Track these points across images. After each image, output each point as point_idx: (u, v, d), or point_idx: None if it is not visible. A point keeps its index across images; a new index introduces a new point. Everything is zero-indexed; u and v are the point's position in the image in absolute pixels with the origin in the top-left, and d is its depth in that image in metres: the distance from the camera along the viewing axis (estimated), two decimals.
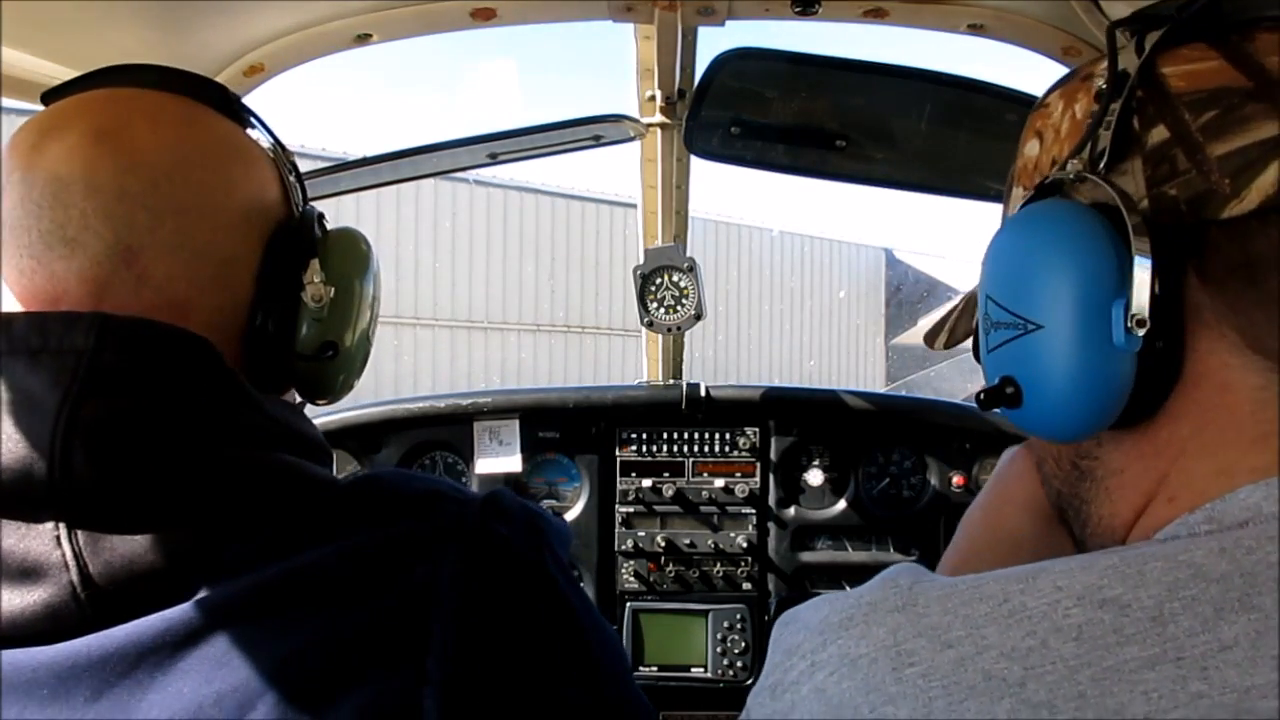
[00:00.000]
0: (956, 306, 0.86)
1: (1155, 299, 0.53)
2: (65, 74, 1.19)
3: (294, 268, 0.75)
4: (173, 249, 0.68)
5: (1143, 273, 0.52)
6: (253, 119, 0.80)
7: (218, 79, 1.35)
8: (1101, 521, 0.61)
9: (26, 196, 0.66)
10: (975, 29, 1.34)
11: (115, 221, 0.66)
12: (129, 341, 0.62)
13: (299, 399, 0.83)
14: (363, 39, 1.39)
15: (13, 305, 0.68)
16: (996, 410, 0.61)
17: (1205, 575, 0.46)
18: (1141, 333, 0.52)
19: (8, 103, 1.21)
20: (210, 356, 0.65)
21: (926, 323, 0.93)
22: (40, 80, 1.19)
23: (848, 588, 1.99)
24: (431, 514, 0.66)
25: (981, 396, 0.61)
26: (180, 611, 0.58)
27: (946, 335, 0.86)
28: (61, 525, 0.58)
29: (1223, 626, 0.44)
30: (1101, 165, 0.57)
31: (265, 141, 0.80)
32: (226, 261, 0.71)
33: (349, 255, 0.81)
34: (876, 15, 1.33)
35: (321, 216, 0.82)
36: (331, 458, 0.77)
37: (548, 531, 0.70)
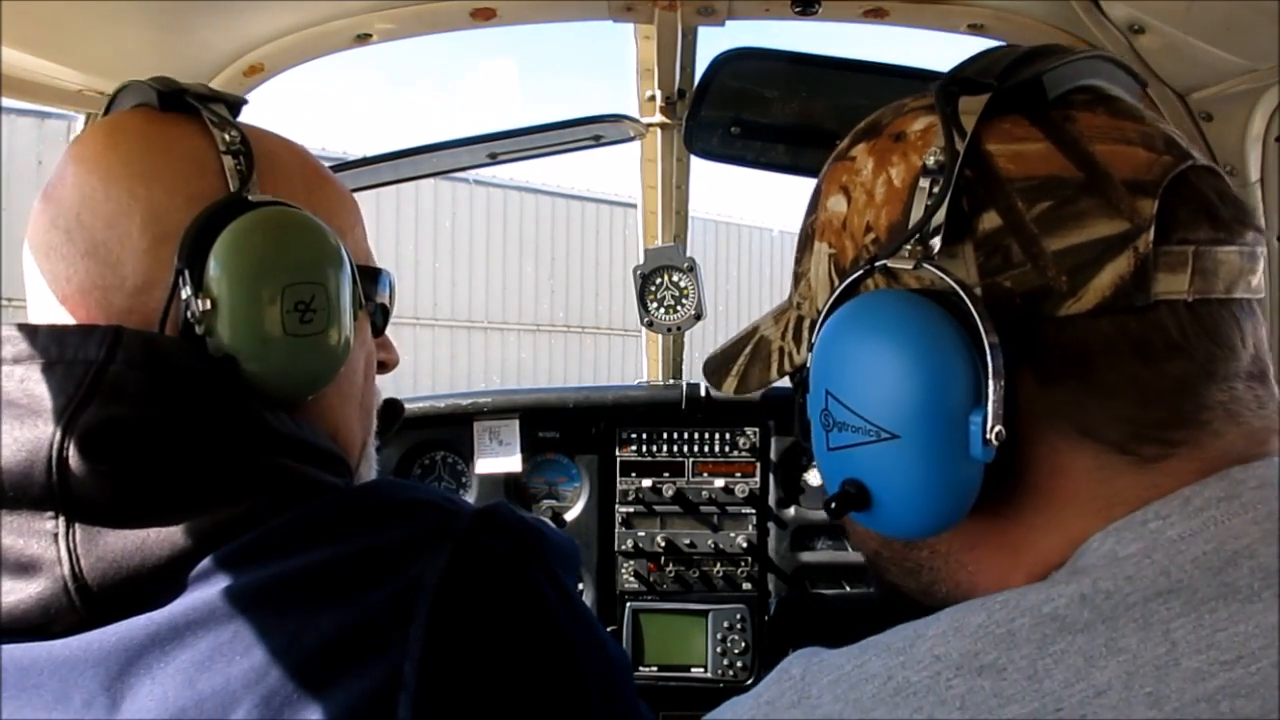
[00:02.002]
0: (743, 345, 0.77)
1: (1006, 405, 0.52)
2: (65, 74, 1.19)
3: (178, 279, 0.67)
4: (88, 291, 0.70)
5: (997, 380, 0.52)
6: (189, 99, 0.74)
7: (218, 79, 1.35)
8: (960, 587, 0.61)
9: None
10: (975, 29, 1.35)
11: (56, 272, 0.71)
12: (137, 355, 0.64)
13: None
14: (363, 39, 1.40)
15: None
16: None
17: (1070, 627, 0.48)
18: (997, 444, 0.52)
19: (8, 103, 1.21)
20: (218, 374, 0.67)
21: None
22: (40, 80, 1.19)
23: (847, 588, 2.01)
24: (419, 521, 0.66)
25: (833, 506, 0.58)
26: (165, 613, 0.59)
27: (736, 380, 0.76)
28: (60, 523, 0.60)
29: (1095, 673, 0.46)
30: (935, 250, 0.55)
31: (215, 134, 0.72)
32: (142, 289, 0.69)
33: (237, 254, 0.68)
34: (876, 15, 1.34)
35: (241, 204, 0.69)
36: (347, 466, 0.76)
37: (543, 547, 0.69)
